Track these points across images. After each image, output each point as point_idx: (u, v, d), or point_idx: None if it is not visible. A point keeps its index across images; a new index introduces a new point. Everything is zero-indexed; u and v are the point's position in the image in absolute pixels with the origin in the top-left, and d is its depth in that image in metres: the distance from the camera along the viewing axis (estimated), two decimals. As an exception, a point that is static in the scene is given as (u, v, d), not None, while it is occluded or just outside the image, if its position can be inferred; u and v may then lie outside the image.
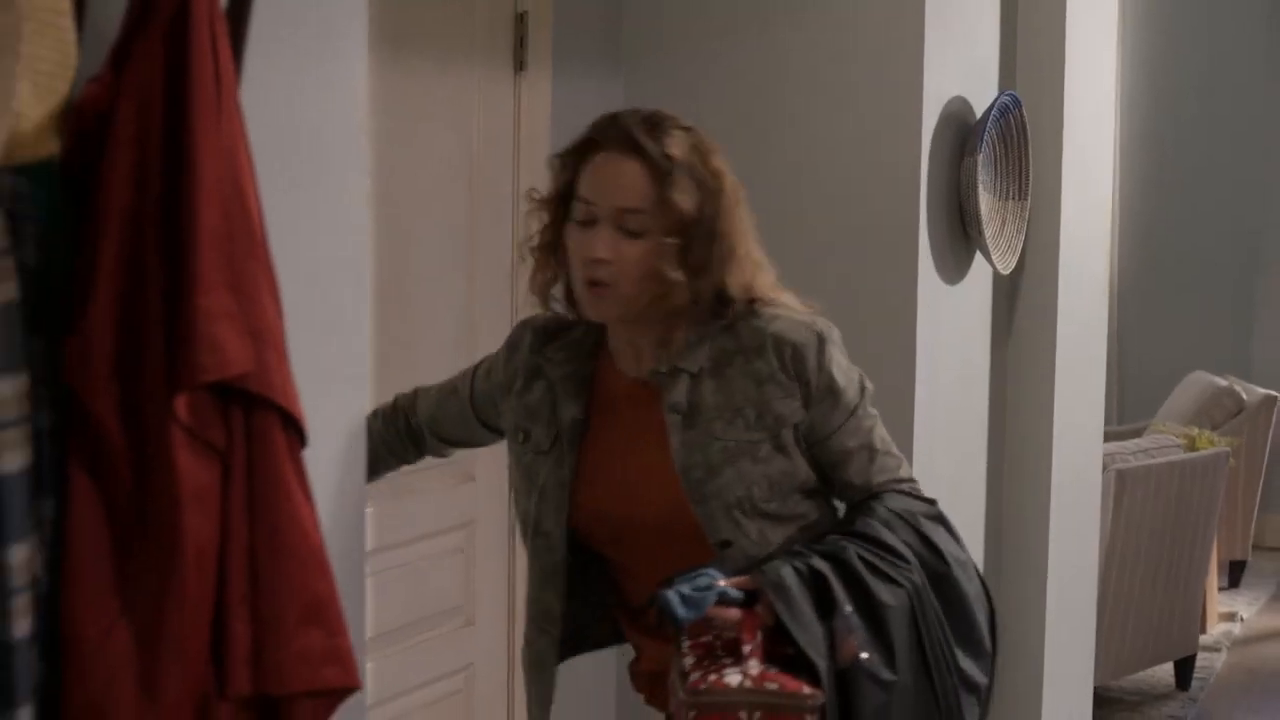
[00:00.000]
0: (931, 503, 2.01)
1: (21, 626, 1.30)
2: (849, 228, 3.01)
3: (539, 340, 2.08)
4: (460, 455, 2.42)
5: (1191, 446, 4.78)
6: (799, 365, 1.96)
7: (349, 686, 1.47)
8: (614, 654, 2.30)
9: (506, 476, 2.34)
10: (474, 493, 2.90)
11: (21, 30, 1.22)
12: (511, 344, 2.11)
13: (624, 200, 1.91)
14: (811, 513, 2.01)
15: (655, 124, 1.93)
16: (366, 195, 1.85)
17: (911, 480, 2.04)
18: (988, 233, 3.10)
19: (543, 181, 2.02)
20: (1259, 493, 6.13)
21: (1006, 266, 3.22)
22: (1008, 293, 3.41)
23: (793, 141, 3.04)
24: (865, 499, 2.00)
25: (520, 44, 2.89)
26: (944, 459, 3.12)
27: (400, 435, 2.22)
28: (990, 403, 3.39)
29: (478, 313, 2.86)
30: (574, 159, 1.96)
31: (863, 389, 2.02)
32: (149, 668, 1.34)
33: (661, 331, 1.99)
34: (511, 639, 2.94)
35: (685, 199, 1.91)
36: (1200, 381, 6.01)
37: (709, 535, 1.95)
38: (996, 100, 3.14)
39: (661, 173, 1.90)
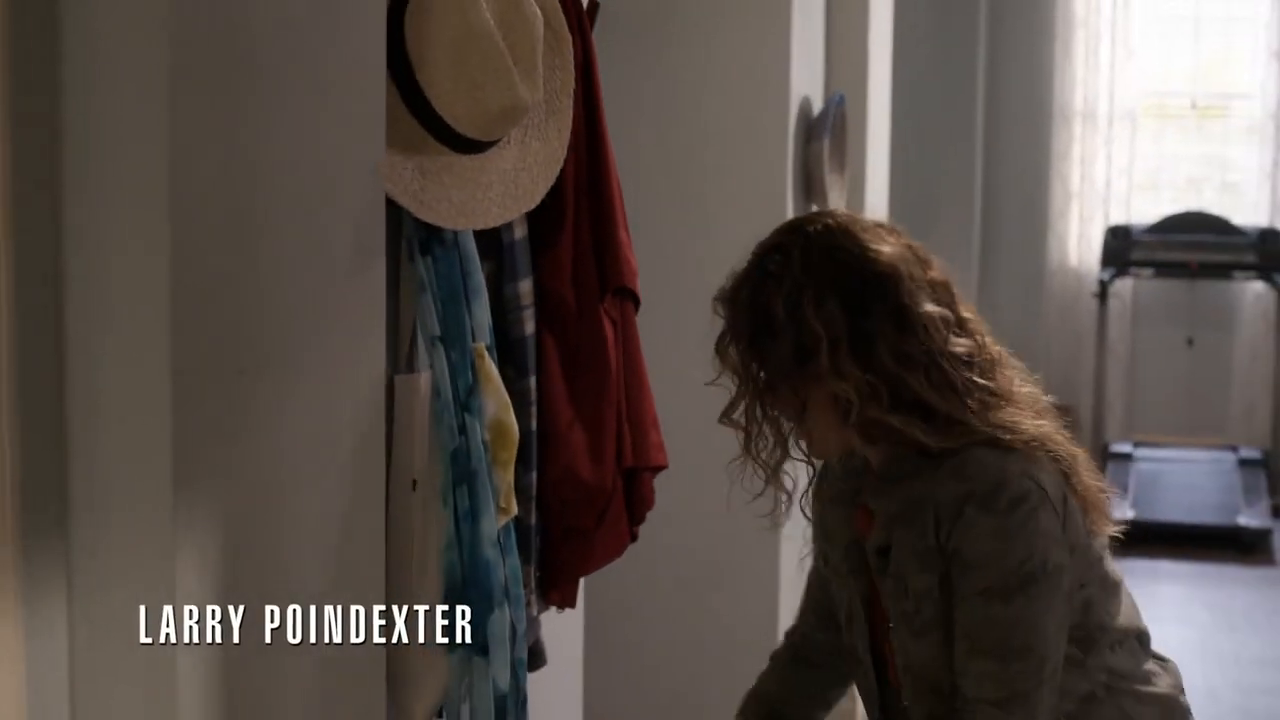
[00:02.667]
0: None
1: (531, 423, 2.31)
2: (733, 194, 4.16)
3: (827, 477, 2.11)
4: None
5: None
6: (949, 527, 1.89)
7: (665, 466, 2.53)
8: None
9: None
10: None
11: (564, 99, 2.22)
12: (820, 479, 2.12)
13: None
14: None
15: (773, 258, 2.04)
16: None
17: (987, 701, 1.86)
18: (830, 197, 4.33)
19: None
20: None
21: (839, 222, 4.47)
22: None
23: (688, 130, 4.14)
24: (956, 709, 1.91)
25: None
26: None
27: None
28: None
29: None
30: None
31: (1024, 577, 1.84)
32: (594, 446, 2.37)
33: (887, 462, 1.98)
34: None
35: (767, 349, 1.96)
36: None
37: (902, 696, 1.99)
38: (833, 98, 4.36)
39: (740, 324, 2.01)
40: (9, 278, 1.41)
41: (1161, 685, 2.02)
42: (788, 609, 3.82)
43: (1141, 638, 2.05)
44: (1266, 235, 7.58)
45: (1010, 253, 8.31)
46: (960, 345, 1.90)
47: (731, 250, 4.07)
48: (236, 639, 1.59)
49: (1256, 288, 7.96)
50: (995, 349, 1.96)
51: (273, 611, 1.66)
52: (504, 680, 2.11)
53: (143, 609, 1.51)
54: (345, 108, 1.79)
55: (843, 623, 2.06)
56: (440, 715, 2.10)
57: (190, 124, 1.49)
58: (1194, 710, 2.00)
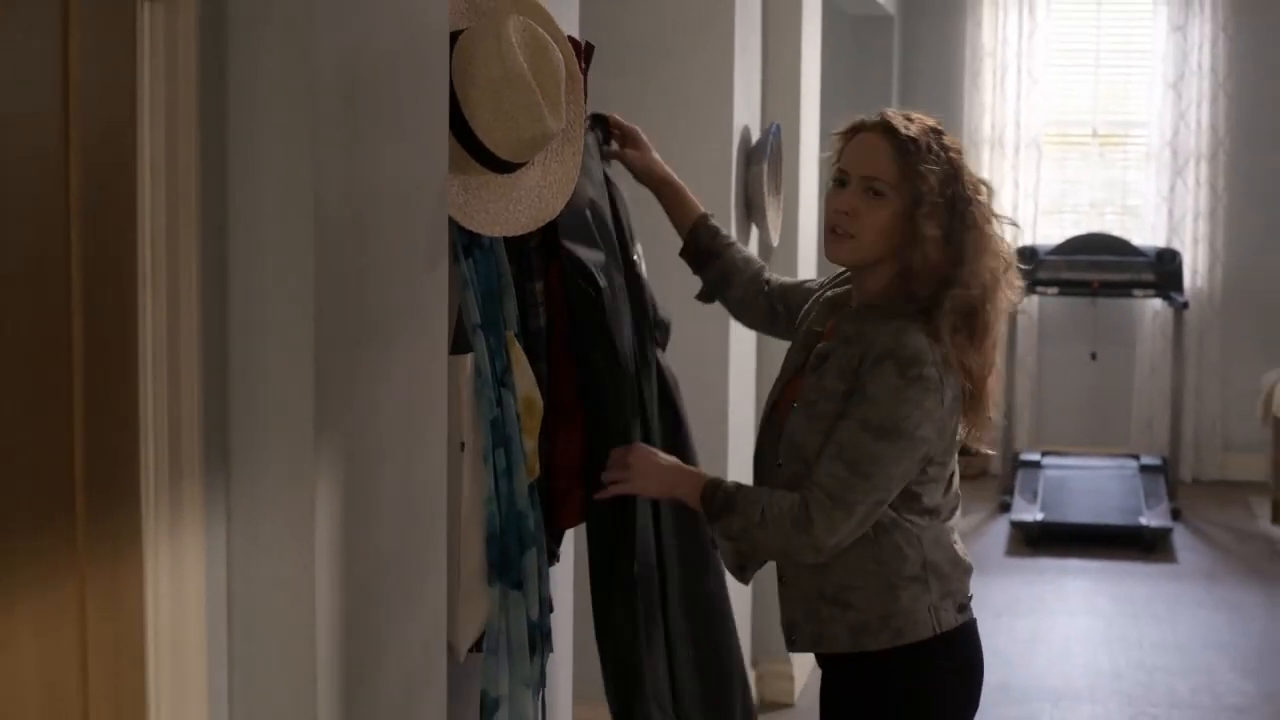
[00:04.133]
0: (802, 527, 2.52)
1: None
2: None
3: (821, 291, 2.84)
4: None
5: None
6: (860, 364, 2.54)
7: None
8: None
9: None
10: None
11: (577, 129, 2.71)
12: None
13: (870, 169, 2.55)
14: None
15: (910, 117, 2.58)
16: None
17: (817, 496, 2.52)
18: (769, 216, 4.85)
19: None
20: None
21: (777, 240, 4.98)
22: (767, 255, 5.17)
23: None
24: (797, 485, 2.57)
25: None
26: (746, 358, 4.85)
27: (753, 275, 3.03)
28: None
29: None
30: (842, 138, 2.65)
31: (894, 428, 2.49)
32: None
33: (875, 288, 2.61)
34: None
35: (922, 176, 2.51)
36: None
37: (779, 455, 2.64)
38: (770, 128, 4.89)
39: (906, 150, 2.52)
40: (197, 268, 1.87)
41: (945, 555, 2.67)
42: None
43: (952, 532, 2.72)
44: (1163, 255, 8.20)
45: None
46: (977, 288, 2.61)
47: (681, 261, 4.59)
48: (350, 558, 2.05)
49: (1155, 305, 8.60)
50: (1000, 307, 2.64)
51: (372, 536, 2.13)
52: (534, 612, 2.58)
53: (287, 529, 1.97)
54: (422, 142, 2.27)
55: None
56: (483, 638, 2.56)
57: (324, 157, 1.96)
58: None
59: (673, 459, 2.75)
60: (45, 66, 1.62)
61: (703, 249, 3.08)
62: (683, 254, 3.10)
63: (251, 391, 1.96)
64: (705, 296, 3.16)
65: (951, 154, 2.58)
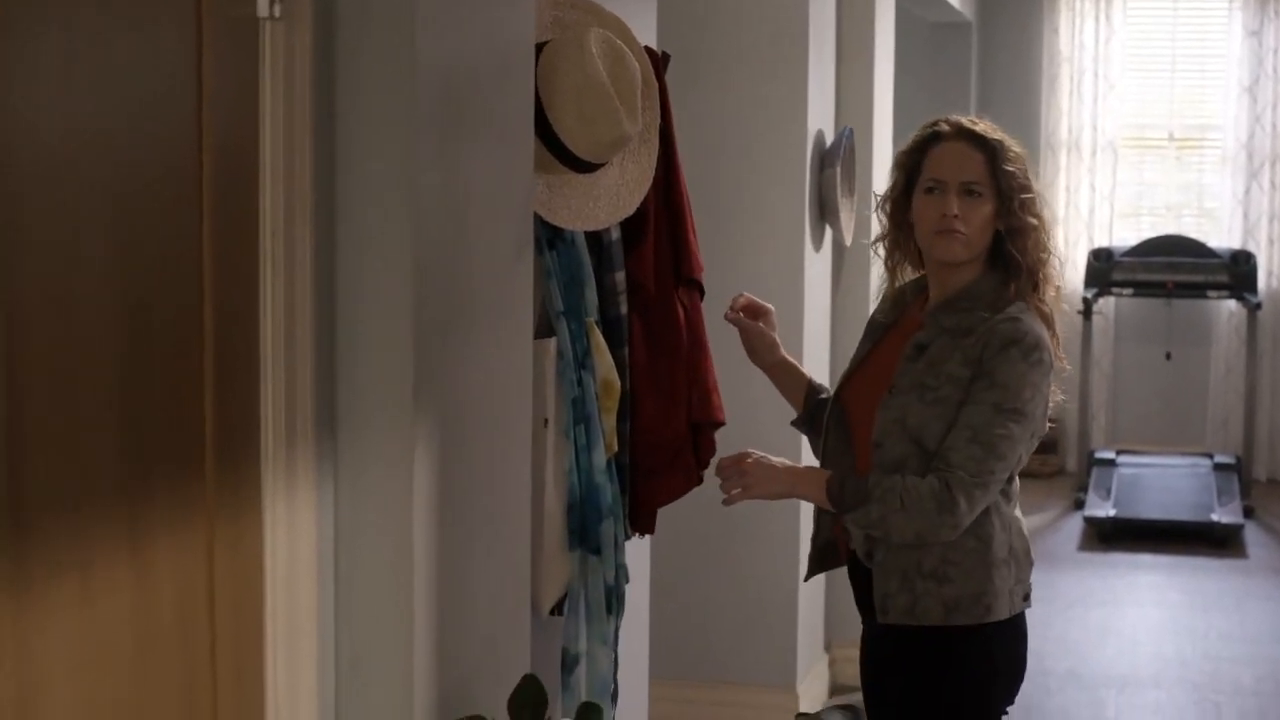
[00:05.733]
0: (947, 508, 2.64)
1: (625, 384, 3.01)
2: (761, 213, 4.87)
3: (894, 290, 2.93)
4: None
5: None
6: (984, 351, 2.65)
7: (724, 422, 3.23)
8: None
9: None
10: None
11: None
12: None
13: (967, 174, 2.72)
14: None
15: (976, 121, 2.80)
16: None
17: (963, 477, 2.63)
18: (841, 217, 5.04)
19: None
20: None
21: (850, 240, 5.18)
22: (840, 254, 5.36)
23: (723, 158, 4.86)
24: (933, 468, 2.66)
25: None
26: (820, 351, 5.04)
27: None
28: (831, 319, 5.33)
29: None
30: (916, 152, 2.79)
31: (1021, 409, 2.65)
32: (668, 404, 3.07)
33: (964, 281, 2.74)
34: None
35: (1009, 173, 2.71)
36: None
37: (874, 433, 2.72)
38: (844, 131, 5.08)
39: (992, 151, 2.72)
40: (310, 256, 2.10)
41: (1022, 543, 2.84)
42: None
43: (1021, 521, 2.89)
44: (1238, 257, 8.27)
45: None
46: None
47: (759, 259, 4.77)
48: (444, 518, 2.27)
49: (1230, 306, 8.68)
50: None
51: (464, 500, 2.35)
52: (610, 577, 2.80)
53: (388, 491, 2.20)
54: (510, 144, 2.49)
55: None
56: (564, 600, 2.79)
57: (421, 158, 2.19)
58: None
59: (784, 461, 2.80)
60: (182, 81, 1.86)
61: (816, 416, 3.04)
62: (796, 424, 3.11)
63: (357, 367, 2.20)
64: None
65: (1019, 148, 2.79)
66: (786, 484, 2.78)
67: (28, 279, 1.61)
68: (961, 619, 2.74)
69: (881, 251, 2.96)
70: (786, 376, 3.05)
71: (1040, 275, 2.76)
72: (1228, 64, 8.73)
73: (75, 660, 1.69)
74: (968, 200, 2.73)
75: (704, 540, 4.84)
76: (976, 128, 2.78)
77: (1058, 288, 2.81)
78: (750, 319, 2.98)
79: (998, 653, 2.81)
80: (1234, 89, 8.71)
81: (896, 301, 2.90)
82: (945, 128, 2.79)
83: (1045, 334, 2.73)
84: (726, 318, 2.97)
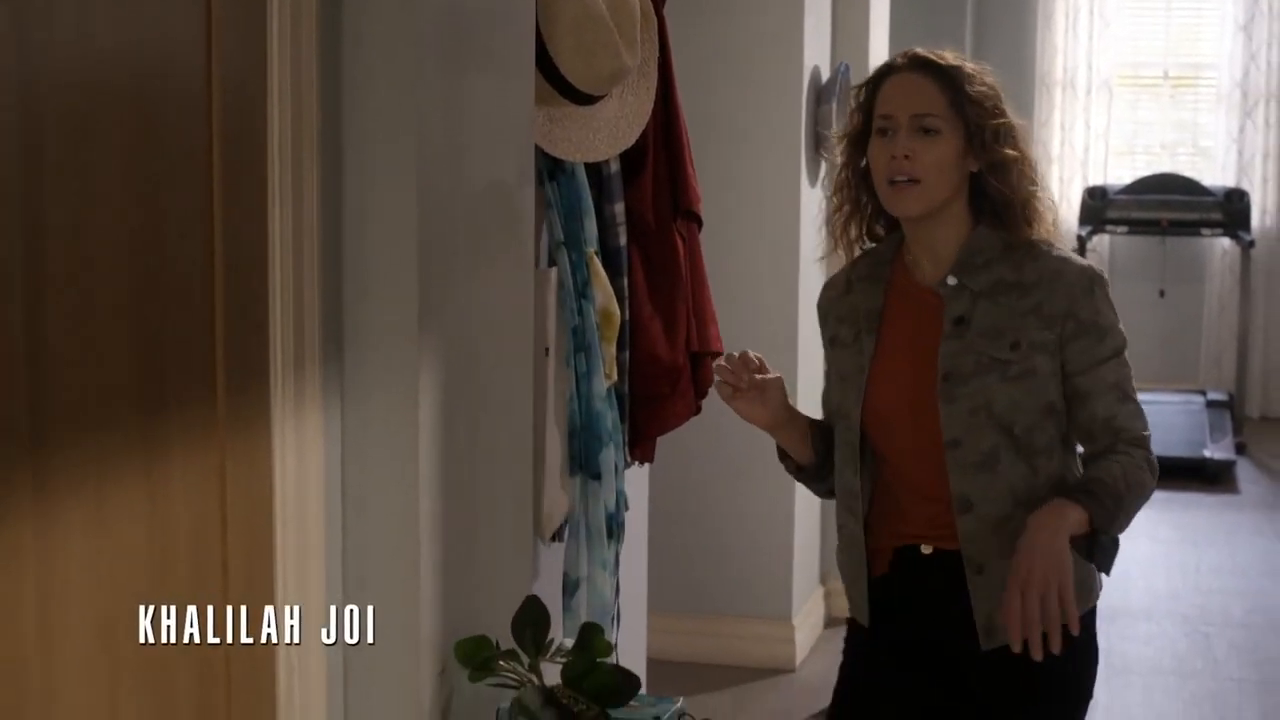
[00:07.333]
0: (1155, 473, 2.34)
1: (625, 314, 3.06)
2: (757, 148, 4.91)
3: (843, 274, 2.50)
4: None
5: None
6: (1070, 303, 2.30)
7: (722, 352, 3.28)
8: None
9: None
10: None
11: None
12: (822, 292, 2.56)
13: (919, 107, 2.31)
14: (1052, 452, 2.33)
15: (936, 52, 2.39)
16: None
17: (1148, 435, 2.34)
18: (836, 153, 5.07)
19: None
20: None
21: (845, 175, 5.21)
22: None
23: (719, 93, 4.89)
24: (1113, 443, 2.31)
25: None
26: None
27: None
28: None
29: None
30: (870, 87, 2.40)
31: (1125, 344, 2.34)
32: (668, 333, 3.12)
33: (957, 236, 2.36)
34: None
35: (974, 101, 2.32)
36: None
37: (944, 432, 2.30)
38: (840, 67, 5.10)
39: (951, 80, 2.33)
40: (317, 184, 2.14)
41: None
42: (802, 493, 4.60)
43: None
44: (1232, 195, 8.32)
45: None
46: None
47: (754, 193, 4.82)
48: (448, 443, 2.33)
49: (1224, 243, 8.73)
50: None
51: (467, 425, 2.40)
52: (611, 502, 2.86)
53: (393, 414, 2.25)
54: (511, 76, 2.53)
55: (838, 386, 2.47)
56: (565, 526, 2.84)
57: (427, 91, 2.23)
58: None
59: (1030, 526, 2.25)
60: (189, 16, 1.90)
61: (828, 454, 2.58)
62: (804, 472, 2.63)
63: (364, 292, 2.24)
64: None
65: (988, 76, 2.41)
66: (1064, 539, 2.23)
67: (47, 203, 1.66)
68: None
69: (838, 217, 2.51)
70: (793, 422, 2.55)
71: (1033, 210, 2.40)
72: (1223, 2, 8.75)
73: (92, 573, 1.75)
74: (922, 139, 2.32)
75: (701, 474, 4.91)
76: (930, 55, 2.39)
77: (1054, 221, 2.46)
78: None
79: (1095, 635, 2.49)
80: (1229, 27, 8.73)
81: (873, 279, 2.47)
82: (899, 60, 2.41)
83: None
84: (743, 380, 2.45)
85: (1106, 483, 2.28)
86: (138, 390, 1.83)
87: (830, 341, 2.53)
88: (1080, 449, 2.42)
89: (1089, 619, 2.42)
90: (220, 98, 1.94)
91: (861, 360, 2.42)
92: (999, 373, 2.32)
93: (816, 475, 2.58)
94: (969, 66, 2.40)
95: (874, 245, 2.50)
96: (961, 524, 2.35)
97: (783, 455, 2.60)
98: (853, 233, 2.49)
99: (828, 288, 2.58)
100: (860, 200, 2.48)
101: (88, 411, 1.73)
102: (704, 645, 4.95)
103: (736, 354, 2.48)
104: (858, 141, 2.44)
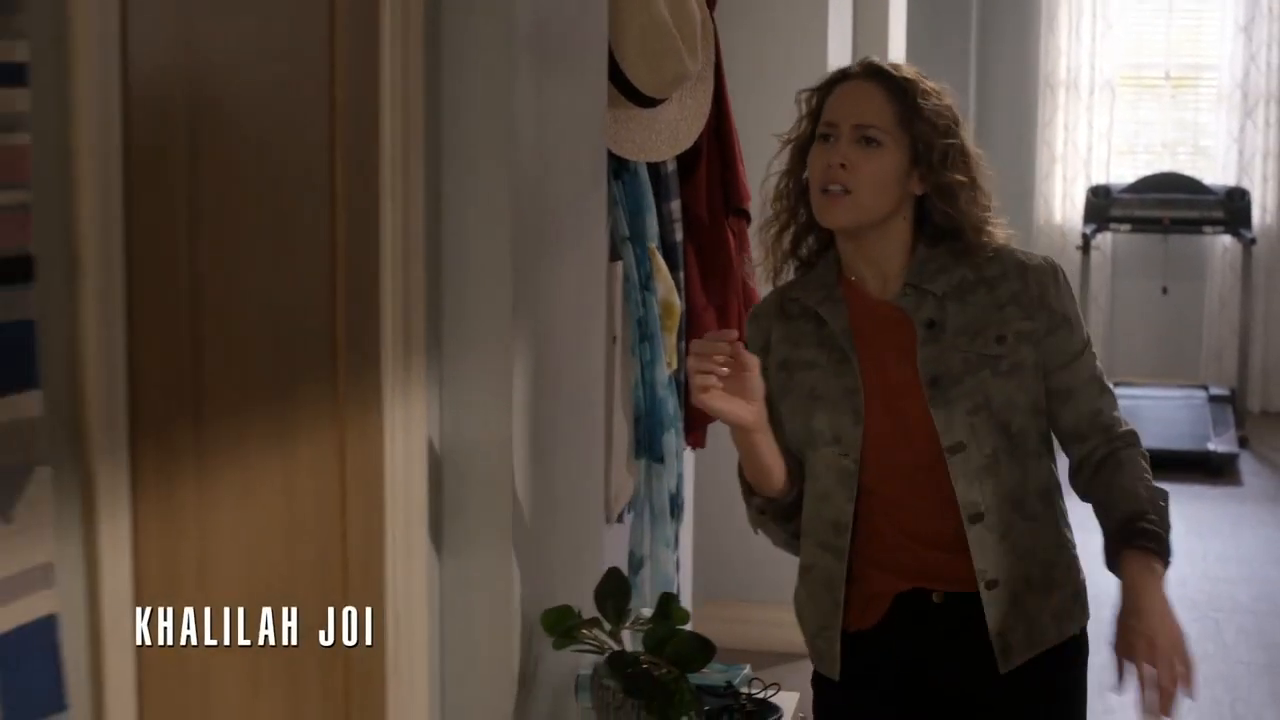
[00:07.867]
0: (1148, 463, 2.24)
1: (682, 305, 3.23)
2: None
3: (776, 297, 2.34)
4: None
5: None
6: (1042, 291, 2.22)
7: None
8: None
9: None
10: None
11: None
12: (753, 318, 2.39)
13: (864, 116, 2.17)
14: (1040, 455, 2.26)
15: (895, 64, 2.24)
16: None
17: (1133, 430, 2.26)
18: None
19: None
20: None
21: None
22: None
23: (744, 98, 5.05)
24: (1110, 445, 2.24)
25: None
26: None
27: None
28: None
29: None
30: (820, 94, 2.27)
31: (1088, 333, 2.27)
32: (722, 324, 3.29)
33: (899, 253, 2.22)
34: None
35: (925, 119, 2.17)
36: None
37: (943, 438, 2.17)
38: (862, 70, 5.28)
39: (903, 93, 2.18)
40: (423, 185, 2.31)
41: None
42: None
43: None
44: (1233, 193, 8.49)
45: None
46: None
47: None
48: (536, 425, 2.50)
49: (1225, 241, 8.90)
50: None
51: (552, 409, 2.57)
52: (673, 484, 3.03)
53: (489, 398, 2.42)
54: (588, 83, 2.70)
55: (816, 412, 2.28)
56: (630, 506, 3.02)
57: (517, 98, 2.40)
58: (1170, 595, 2.21)
59: (1133, 593, 2.14)
60: (317, 33, 2.07)
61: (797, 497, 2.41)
62: (770, 511, 2.44)
63: (463, 284, 2.41)
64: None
65: (946, 96, 2.27)
66: (1167, 604, 2.16)
67: (204, 197, 1.82)
68: (1071, 627, 2.35)
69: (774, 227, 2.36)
70: (770, 427, 2.29)
71: (988, 235, 2.28)
72: (1224, 3, 8.92)
73: (239, 539, 1.92)
74: (863, 149, 2.19)
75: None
76: (885, 66, 2.26)
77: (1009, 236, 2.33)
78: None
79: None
80: (1230, 28, 8.90)
81: (830, 300, 2.31)
82: (855, 68, 2.28)
83: None
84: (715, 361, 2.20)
85: (1153, 516, 2.19)
86: (272, 374, 2.00)
87: (781, 365, 2.33)
88: (1068, 452, 2.33)
89: (1083, 639, 2.40)
90: (343, 113, 2.11)
91: (849, 381, 2.27)
92: (990, 368, 2.23)
93: (785, 513, 2.38)
94: (927, 84, 2.25)
95: (808, 270, 2.35)
96: (973, 534, 2.23)
97: (748, 492, 2.39)
98: (785, 245, 2.35)
99: (758, 315, 2.40)
100: (797, 211, 2.33)
101: (235, 397, 1.90)
102: (757, 633, 5.02)
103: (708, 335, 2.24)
104: (803, 149, 2.30)
